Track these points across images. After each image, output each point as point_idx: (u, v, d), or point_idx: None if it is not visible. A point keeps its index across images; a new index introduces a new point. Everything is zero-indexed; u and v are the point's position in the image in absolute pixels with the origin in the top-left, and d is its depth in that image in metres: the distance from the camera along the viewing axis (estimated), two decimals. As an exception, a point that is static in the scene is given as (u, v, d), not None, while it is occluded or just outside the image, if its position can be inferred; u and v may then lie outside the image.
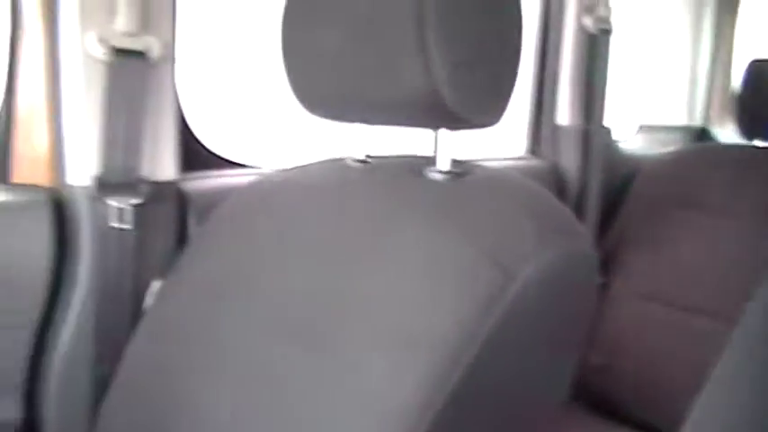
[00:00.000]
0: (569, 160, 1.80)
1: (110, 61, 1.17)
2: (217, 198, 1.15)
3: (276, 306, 0.95)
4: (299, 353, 0.89)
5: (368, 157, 1.06)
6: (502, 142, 1.82)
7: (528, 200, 0.91)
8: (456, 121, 0.88)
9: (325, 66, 0.95)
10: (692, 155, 1.86)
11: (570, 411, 1.02)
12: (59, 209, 1.21)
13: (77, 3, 1.15)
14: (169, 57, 1.24)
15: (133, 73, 1.18)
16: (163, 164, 1.25)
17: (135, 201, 1.19)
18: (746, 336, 0.62)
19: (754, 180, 1.68)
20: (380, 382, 0.81)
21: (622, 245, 1.77)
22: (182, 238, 1.27)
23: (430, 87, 0.84)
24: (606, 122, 1.80)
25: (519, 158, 1.85)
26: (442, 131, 0.93)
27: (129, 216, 1.19)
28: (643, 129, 2.12)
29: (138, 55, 1.18)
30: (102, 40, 1.16)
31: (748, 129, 1.80)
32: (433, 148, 0.96)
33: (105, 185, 1.18)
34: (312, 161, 1.12)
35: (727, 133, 2.14)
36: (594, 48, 1.75)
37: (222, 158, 1.46)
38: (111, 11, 1.16)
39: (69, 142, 1.21)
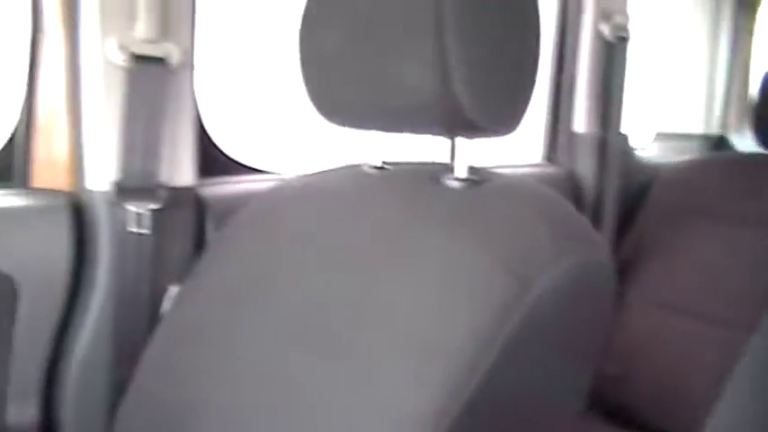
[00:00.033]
0: (586, 168, 1.80)
1: (129, 67, 1.18)
2: (235, 204, 1.16)
3: (293, 312, 0.95)
4: (315, 359, 0.89)
5: (385, 163, 1.06)
6: (518, 149, 1.82)
7: (545, 208, 0.91)
8: (473, 130, 0.88)
9: (343, 74, 0.96)
10: (709, 163, 1.85)
11: (586, 420, 1.02)
12: (78, 213, 1.22)
13: (98, 9, 1.16)
14: (188, 63, 1.25)
15: (153, 79, 1.19)
16: (181, 169, 1.26)
17: (153, 206, 1.20)
18: (764, 344, 0.62)
19: (772, 189, 1.67)
20: (397, 388, 0.81)
21: (639, 253, 1.77)
22: (199, 244, 1.28)
23: (448, 96, 0.84)
24: (623, 130, 1.79)
25: (535, 165, 1.85)
26: (460, 139, 0.93)
27: (147, 221, 1.20)
28: (660, 136, 2.12)
29: (158, 61, 1.19)
30: (122, 47, 1.16)
31: (766, 137, 1.80)
32: (450, 156, 0.96)
33: (124, 190, 1.19)
34: (329, 167, 1.12)
35: (745, 142, 2.13)
36: (612, 55, 1.75)
37: (240, 164, 1.47)
38: (132, 17, 1.17)
39: (89, 147, 1.21)
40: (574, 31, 1.78)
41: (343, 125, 1.02)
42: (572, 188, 1.79)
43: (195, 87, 1.29)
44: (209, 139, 1.41)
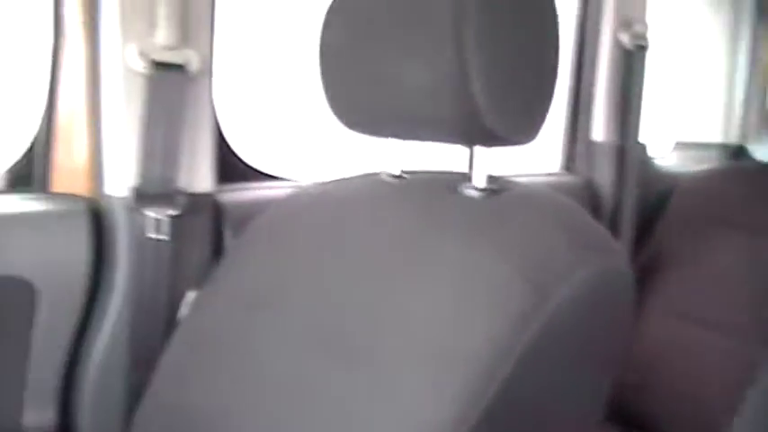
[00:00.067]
0: (604, 176, 1.79)
1: (149, 74, 1.18)
2: (252, 210, 1.16)
3: (311, 318, 0.95)
4: (333, 366, 0.89)
5: (403, 172, 1.06)
6: (536, 157, 1.82)
7: (563, 217, 0.91)
8: (492, 139, 0.88)
9: (363, 81, 0.96)
10: (729, 173, 1.84)
11: (605, 430, 1.02)
12: (97, 218, 1.23)
13: (118, 16, 1.17)
14: (207, 70, 1.26)
15: (172, 86, 1.20)
16: (200, 176, 1.27)
17: (172, 212, 1.21)
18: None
19: (792, 199, 1.66)
20: (415, 396, 0.81)
21: (658, 262, 1.76)
22: (217, 250, 1.28)
23: (467, 105, 0.84)
24: (642, 139, 1.79)
25: (553, 174, 1.84)
26: (478, 148, 0.93)
27: (165, 227, 1.20)
28: (679, 145, 2.11)
29: (177, 68, 1.20)
30: (142, 54, 1.17)
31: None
32: (468, 164, 0.96)
33: (143, 196, 1.20)
34: (348, 175, 1.13)
35: (765, 151, 2.12)
36: (631, 63, 1.74)
37: (258, 171, 1.47)
38: (152, 24, 1.18)
39: (108, 153, 1.22)
40: (593, 40, 1.77)
41: (363, 133, 1.02)
42: (590, 197, 1.78)
43: (214, 94, 1.29)
44: (227, 145, 1.42)
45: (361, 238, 0.98)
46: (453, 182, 0.96)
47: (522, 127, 0.89)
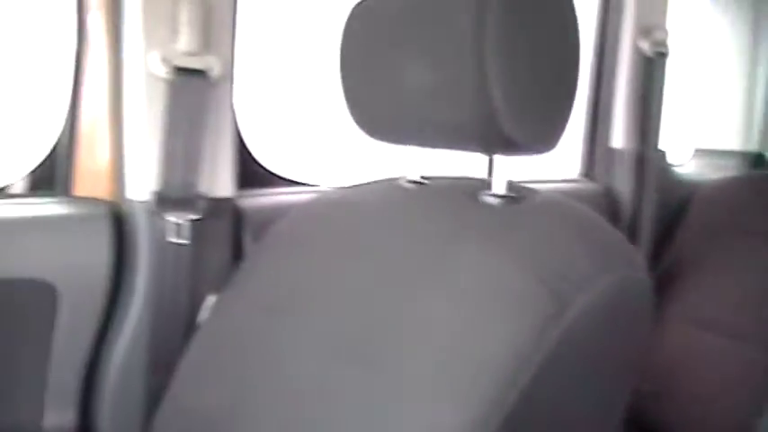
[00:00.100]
0: (623, 184, 1.78)
1: (171, 79, 1.19)
2: (272, 215, 1.17)
3: (331, 323, 0.96)
4: (352, 370, 0.90)
5: (423, 177, 1.06)
6: (555, 164, 1.82)
7: (583, 226, 0.91)
8: (512, 147, 0.88)
9: (383, 89, 0.96)
10: (748, 181, 1.83)
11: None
12: (119, 222, 1.24)
13: (141, 22, 1.18)
14: (228, 76, 1.26)
15: (193, 91, 1.21)
16: (220, 181, 1.27)
17: (192, 216, 1.21)
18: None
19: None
20: (435, 402, 0.81)
21: (677, 270, 1.75)
22: (237, 254, 1.29)
23: (487, 113, 0.84)
24: (661, 146, 1.78)
25: (572, 181, 1.84)
26: (498, 156, 0.93)
27: (186, 231, 1.21)
28: (698, 153, 2.10)
29: (199, 74, 1.21)
30: (164, 59, 1.18)
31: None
32: (488, 171, 0.96)
33: (164, 201, 1.21)
34: (368, 180, 1.13)
35: (785, 160, 2.11)
36: (650, 70, 1.73)
37: (278, 176, 1.48)
38: (174, 30, 1.19)
39: (130, 158, 1.23)
40: (613, 47, 1.77)
41: (383, 140, 1.03)
42: (609, 204, 1.78)
43: (234, 100, 1.30)
44: (247, 150, 1.43)
45: (381, 243, 0.98)
46: (473, 188, 0.96)
47: (541, 135, 0.89)
